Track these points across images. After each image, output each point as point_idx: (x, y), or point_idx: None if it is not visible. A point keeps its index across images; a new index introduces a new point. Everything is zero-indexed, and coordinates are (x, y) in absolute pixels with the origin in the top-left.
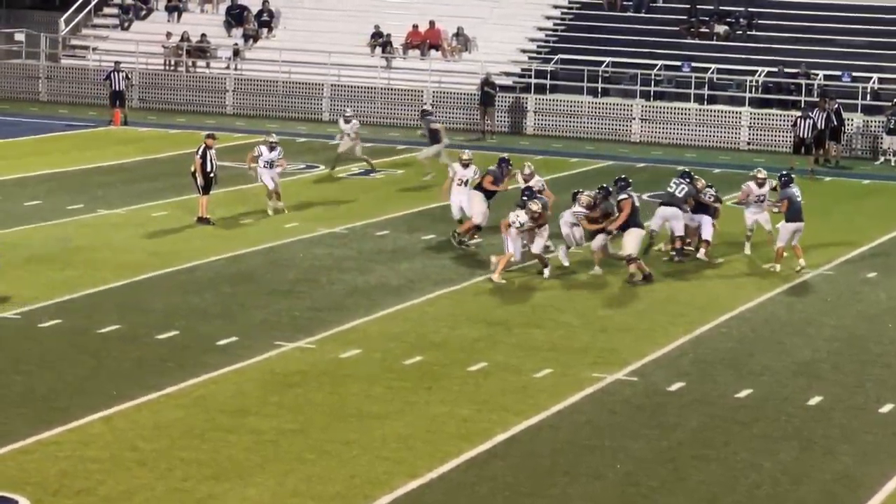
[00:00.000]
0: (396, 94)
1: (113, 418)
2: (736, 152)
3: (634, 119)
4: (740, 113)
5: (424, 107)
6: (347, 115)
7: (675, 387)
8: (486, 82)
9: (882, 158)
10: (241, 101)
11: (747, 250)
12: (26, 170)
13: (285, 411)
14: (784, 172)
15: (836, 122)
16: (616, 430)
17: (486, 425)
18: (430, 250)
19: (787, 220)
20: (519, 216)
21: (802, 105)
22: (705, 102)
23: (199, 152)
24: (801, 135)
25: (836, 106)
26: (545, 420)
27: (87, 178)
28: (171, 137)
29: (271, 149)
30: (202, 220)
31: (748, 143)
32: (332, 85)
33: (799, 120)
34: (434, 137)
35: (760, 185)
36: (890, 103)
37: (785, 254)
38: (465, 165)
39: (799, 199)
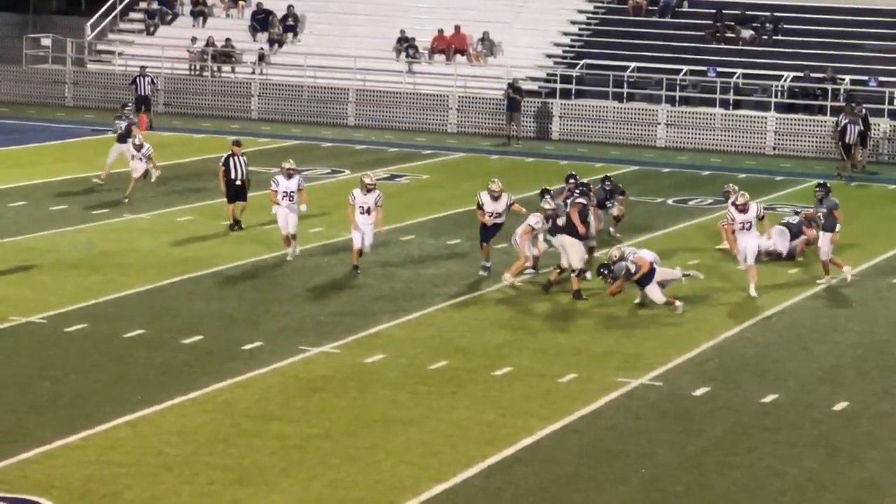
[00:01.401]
0: (422, 99)
1: (138, 423)
2: (761, 157)
3: (660, 124)
4: (766, 118)
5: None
6: (136, 143)
7: (699, 392)
8: (513, 88)
9: None
10: (267, 106)
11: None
12: (52, 175)
13: (310, 416)
14: (821, 183)
15: (862, 127)
16: (641, 436)
17: (511, 430)
18: (455, 255)
19: (826, 230)
20: (535, 216)
21: (848, 108)
22: (731, 107)
23: (223, 160)
24: (848, 140)
25: (863, 111)
26: (569, 425)
27: (113, 183)
28: (197, 142)
29: (289, 176)
30: (234, 225)
31: (774, 148)
32: (357, 90)
33: (848, 126)
34: (126, 135)
35: (742, 209)
36: None
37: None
38: (369, 190)
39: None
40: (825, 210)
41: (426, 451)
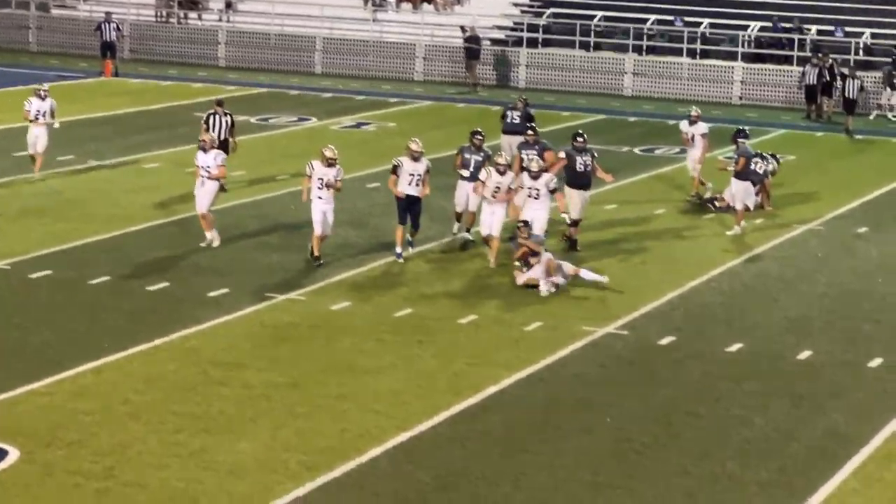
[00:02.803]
0: (388, 48)
1: (104, 370)
2: (728, 107)
3: (626, 73)
4: (733, 68)
5: None
6: (42, 91)
7: (665, 341)
8: (470, 37)
9: (875, 113)
10: (234, 54)
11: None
12: (15, 121)
13: (277, 364)
14: (740, 129)
15: (828, 78)
16: (607, 385)
17: (477, 379)
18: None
19: (740, 178)
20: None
21: (849, 65)
22: (698, 57)
23: (205, 117)
24: (848, 95)
25: (830, 62)
26: (535, 373)
27: (78, 130)
28: (163, 89)
29: (205, 151)
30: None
31: (740, 98)
32: (324, 38)
33: (848, 80)
34: None
35: (534, 176)
36: (888, 59)
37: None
38: (330, 164)
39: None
40: (736, 157)
41: (393, 400)
